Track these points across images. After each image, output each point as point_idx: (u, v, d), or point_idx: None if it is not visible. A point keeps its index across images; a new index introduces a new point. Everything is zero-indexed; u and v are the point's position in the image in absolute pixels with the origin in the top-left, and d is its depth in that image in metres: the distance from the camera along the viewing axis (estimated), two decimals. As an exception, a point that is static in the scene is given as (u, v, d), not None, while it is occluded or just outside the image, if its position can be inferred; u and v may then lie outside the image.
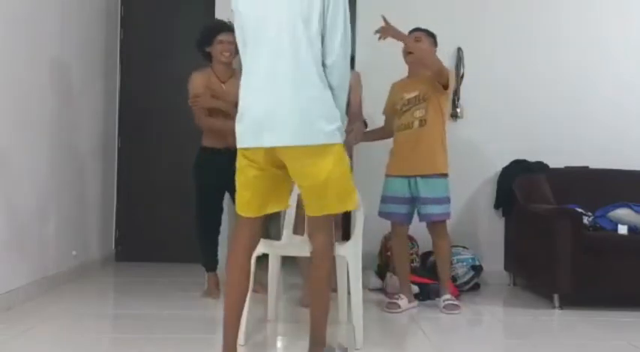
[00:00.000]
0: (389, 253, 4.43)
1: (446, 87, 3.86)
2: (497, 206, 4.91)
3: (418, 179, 3.87)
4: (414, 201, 3.92)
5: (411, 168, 3.90)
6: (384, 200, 3.99)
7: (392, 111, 4.06)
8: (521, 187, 4.59)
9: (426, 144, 3.88)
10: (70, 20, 4.38)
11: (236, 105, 2.59)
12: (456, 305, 3.86)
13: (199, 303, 3.94)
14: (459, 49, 4.94)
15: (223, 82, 4.06)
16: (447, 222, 3.99)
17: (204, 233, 4.13)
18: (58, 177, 4.26)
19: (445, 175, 3.92)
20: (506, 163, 4.88)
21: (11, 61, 3.62)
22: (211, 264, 4.17)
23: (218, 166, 3.86)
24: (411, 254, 4.47)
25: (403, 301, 3.88)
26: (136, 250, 5.34)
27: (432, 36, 4.04)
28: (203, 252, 4.16)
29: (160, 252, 5.29)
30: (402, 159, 3.94)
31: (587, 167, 4.82)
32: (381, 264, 4.62)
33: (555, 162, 4.80)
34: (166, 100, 5.38)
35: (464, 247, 4.70)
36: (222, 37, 4.03)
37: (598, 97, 5.01)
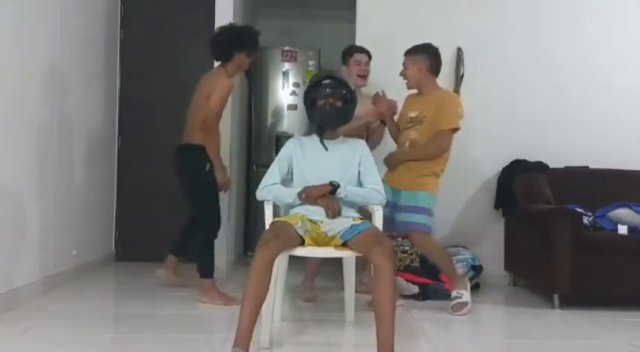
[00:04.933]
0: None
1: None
2: (497, 206, 4.91)
3: (402, 190, 3.87)
4: (394, 207, 3.86)
5: (395, 181, 3.90)
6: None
7: (401, 124, 4.06)
8: (521, 187, 4.59)
9: (413, 167, 3.87)
10: (70, 21, 4.38)
11: None
12: (464, 303, 3.80)
13: (199, 303, 3.94)
14: (459, 49, 4.94)
15: None
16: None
17: (215, 237, 4.03)
18: (58, 177, 4.25)
19: (432, 191, 3.88)
20: (506, 163, 4.88)
21: (11, 61, 3.61)
22: (213, 270, 4.03)
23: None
24: (411, 254, 4.47)
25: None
26: (136, 250, 5.34)
27: (422, 51, 3.92)
28: (211, 258, 4.00)
29: (160, 252, 5.27)
30: (391, 171, 3.97)
31: (587, 167, 4.82)
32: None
33: (555, 162, 4.80)
34: (166, 100, 5.38)
35: (464, 247, 4.70)
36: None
37: (598, 97, 5.01)
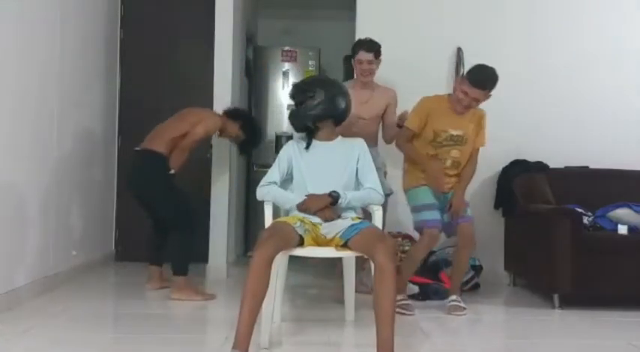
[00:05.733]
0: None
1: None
2: (497, 206, 4.91)
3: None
4: (442, 208, 3.86)
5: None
6: (417, 209, 3.85)
7: (425, 134, 3.88)
8: (521, 187, 4.59)
9: (451, 181, 3.90)
10: (70, 20, 4.38)
11: None
12: (461, 306, 3.81)
13: (198, 304, 3.94)
14: (459, 49, 4.94)
15: None
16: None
17: (193, 233, 4.13)
18: (58, 177, 4.25)
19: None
20: (506, 163, 4.88)
21: (11, 61, 3.62)
22: (187, 268, 4.08)
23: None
24: (411, 254, 4.46)
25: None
26: (136, 250, 5.32)
27: (495, 86, 3.84)
28: (187, 256, 4.08)
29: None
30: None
31: (587, 167, 4.82)
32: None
33: (555, 162, 4.80)
34: (166, 100, 5.37)
35: (464, 247, 4.69)
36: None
37: (598, 98, 5.01)
